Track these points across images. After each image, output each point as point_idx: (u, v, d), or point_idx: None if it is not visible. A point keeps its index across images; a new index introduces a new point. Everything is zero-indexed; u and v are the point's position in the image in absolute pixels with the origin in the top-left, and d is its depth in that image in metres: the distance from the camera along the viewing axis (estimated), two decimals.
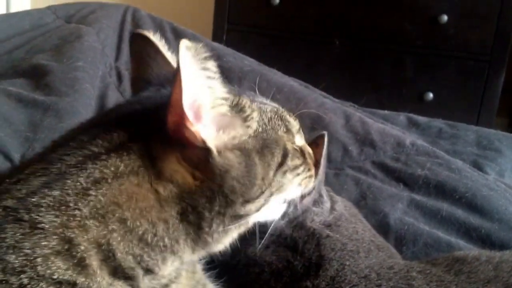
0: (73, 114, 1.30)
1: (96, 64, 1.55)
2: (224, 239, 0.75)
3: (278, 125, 0.77)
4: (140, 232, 0.67)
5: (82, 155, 0.68)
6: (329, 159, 1.39)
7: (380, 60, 2.62)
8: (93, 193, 0.65)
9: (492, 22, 2.46)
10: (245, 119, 0.72)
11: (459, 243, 1.10)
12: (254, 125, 0.73)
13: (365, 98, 1.88)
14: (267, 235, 0.88)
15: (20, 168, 0.71)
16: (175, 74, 0.63)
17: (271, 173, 0.74)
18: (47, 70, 1.45)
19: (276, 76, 1.70)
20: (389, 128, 1.53)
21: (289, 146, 0.78)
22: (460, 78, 2.54)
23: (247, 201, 0.72)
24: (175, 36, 1.78)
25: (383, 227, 1.13)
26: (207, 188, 0.69)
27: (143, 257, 0.67)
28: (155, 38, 0.85)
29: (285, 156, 0.76)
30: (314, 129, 1.46)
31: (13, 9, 2.76)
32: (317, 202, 0.96)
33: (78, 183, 0.65)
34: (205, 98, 0.66)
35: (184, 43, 0.61)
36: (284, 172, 0.76)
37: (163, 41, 0.85)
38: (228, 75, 1.62)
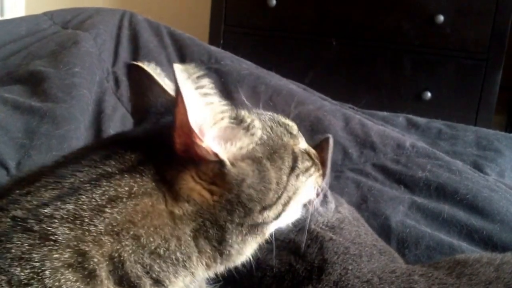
0: (70, 120, 1.29)
1: (93, 69, 1.54)
2: (245, 250, 0.75)
3: (281, 132, 0.78)
4: (153, 247, 0.67)
5: (95, 173, 0.68)
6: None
7: (377, 60, 2.64)
8: (109, 211, 0.66)
9: (488, 20, 2.48)
10: (247, 128, 0.73)
11: (461, 245, 1.10)
12: (258, 132, 0.74)
13: (365, 99, 1.88)
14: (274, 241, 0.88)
15: (28, 180, 0.70)
16: (176, 97, 0.64)
17: (284, 177, 0.75)
18: (44, 76, 1.44)
19: (274, 79, 1.69)
20: (389, 130, 1.52)
21: (297, 149, 0.79)
22: (458, 76, 2.56)
23: (264, 208, 0.73)
24: (172, 41, 1.78)
25: (384, 230, 1.13)
26: (225, 201, 0.70)
27: (153, 267, 0.68)
28: (150, 68, 0.86)
29: (295, 159, 0.78)
30: (314, 131, 1.46)
31: (7, 15, 2.76)
32: (322, 202, 0.96)
33: (93, 200, 0.66)
34: (206, 115, 0.67)
35: (177, 67, 0.63)
36: (297, 176, 0.78)
37: (159, 69, 0.87)
38: (226, 78, 1.63)
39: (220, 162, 0.69)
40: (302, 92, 1.66)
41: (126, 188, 0.68)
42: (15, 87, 1.40)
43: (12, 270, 0.60)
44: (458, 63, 2.55)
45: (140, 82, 0.86)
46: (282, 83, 1.68)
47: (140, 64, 0.88)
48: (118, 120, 1.41)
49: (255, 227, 0.74)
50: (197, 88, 0.65)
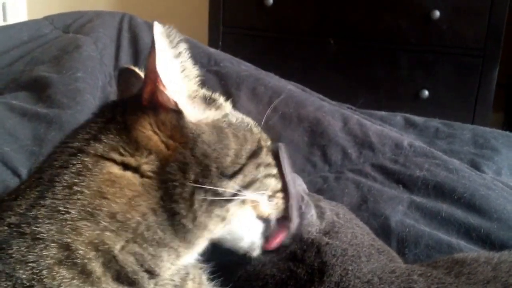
0: (76, 126, 1.30)
1: (95, 74, 1.56)
2: (207, 222, 0.74)
3: (252, 124, 0.81)
4: (134, 225, 0.68)
5: (66, 154, 0.71)
6: (329, 163, 1.40)
7: (375, 59, 2.64)
8: (78, 189, 0.67)
9: (484, 16, 2.48)
10: (218, 107, 0.76)
11: (459, 243, 1.11)
12: (227, 109, 0.77)
13: (363, 98, 1.89)
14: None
15: (20, 185, 0.73)
16: (150, 49, 0.68)
17: (244, 155, 0.76)
18: (48, 82, 1.45)
19: (273, 80, 1.70)
20: (387, 129, 1.53)
21: (264, 143, 0.81)
22: (455, 74, 2.56)
23: (222, 174, 0.73)
24: None
25: (384, 230, 1.14)
26: (180, 155, 0.71)
27: (144, 256, 0.68)
28: (140, 71, 0.90)
29: (259, 148, 0.79)
30: (313, 132, 1.47)
31: (9, 20, 2.77)
32: (301, 215, 0.95)
33: (64, 181, 0.68)
34: (178, 77, 0.71)
35: (156, 25, 0.67)
36: (258, 165, 0.78)
37: None
38: (225, 80, 1.63)
39: (179, 113, 0.71)
40: (301, 93, 1.66)
41: (92, 152, 0.69)
42: (20, 94, 1.41)
43: (16, 274, 0.62)
44: (455, 60, 2.55)
45: (129, 82, 0.89)
46: (281, 84, 1.69)
47: (131, 67, 0.92)
48: None
49: (217, 195, 0.73)
50: (173, 47, 0.69)
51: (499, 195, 1.25)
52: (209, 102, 0.75)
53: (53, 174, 0.69)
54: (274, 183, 0.84)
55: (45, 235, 0.64)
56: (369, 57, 2.65)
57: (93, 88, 1.49)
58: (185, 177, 0.71)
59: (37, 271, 0.62)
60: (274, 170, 0.84)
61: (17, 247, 0.63)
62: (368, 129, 1.50)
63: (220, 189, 0.73)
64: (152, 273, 0.69)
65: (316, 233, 0.93)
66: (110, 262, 0.66)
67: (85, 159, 0.69)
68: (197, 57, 1.70)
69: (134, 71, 0.91)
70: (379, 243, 1.00)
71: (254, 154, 0.78)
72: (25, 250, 0.63)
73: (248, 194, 0.77)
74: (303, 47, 2.68)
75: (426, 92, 2.55)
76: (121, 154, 0.70)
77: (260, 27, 2.73)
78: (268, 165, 0.82)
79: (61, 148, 0.73)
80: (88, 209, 0.66)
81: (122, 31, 1.82)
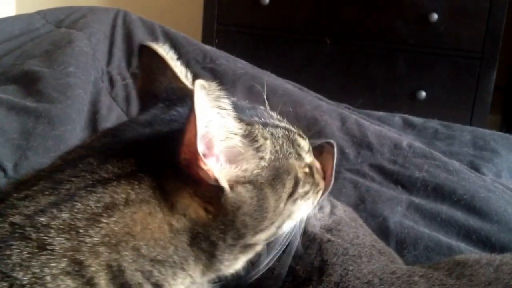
0: (66, 121, 1.29)
1: (87, 69, 1.53)
2: (235, 266, 0.76)
3: (290, 152, 0.77)
4: (153, 255, 0.67)
5: (91, 179, 0.67)
6: None
7: (371, 59, 2.63)
8: (105, 221, 0.65)
9: (482, 18, 2.49)
10: (257, 150, 0.71)
11: (459, 246, 1.10)
12: (267, 156, 0.72)
13: (361, 98, 1.88)
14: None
15: (26, 183, 0.69)
16: (190, 114, 0.62)
17: (282, 204, 0.75)
18: (38, 76, 1.43)
19: (270, 78, 1.69)
20: (386, 130, 1.52)
21: (300, 173, 0.78)
22: (452, 75, 2.56)
23: (257, 233, 0.73)
24: (166, 39, 1.77)
25: (383, 231, 1.12)
26: (219, 222, 0.70)
27: (153, 272, 0.67)
28: (163, 51, 0.83)
29: (296, 184, 0.77)
30: (310, 131, 1.45)
31: None
32: (319, 207, 0.96)
33: (89, 208, 0.65)
34: (217, 134, 0.66)
35: (199, 83, 0.61)
36: (295, 200, 0.77)
37: (172, 52, 0.84)
38: (221, 78, 1.62)
39: (219, 187, 0.68)
40: (298, 92, 1.66)
41: (123, 195, 0.66)
42: (9, 87, 1.39)
43: (14, 275, 0.60)
44: (453, 62, 2.56)
45: (152, 65, 0.83)
46: (278, 82, 1.68)
47: (153, 46, 0.84)
48: (114, 121, 1.39)
49: (247, 247, 0.74)
50: (215, 107, 0.64)
51: (499, 197, 1.24)
52: (248, 142, 0.70)
53: (73, 193, 0.66)
54: (311, 200, 0.83)
55: (56, 247, 0.62)
56: (365, 57, 2.64)
57: (84, 83, 1.47)
58: (221, 238, 0.71)
59: (41, 276, 0.60)
60: (311, 192, 0.82)
61: (18, 250, 0.61)
62: (366, 129, 1.49)
63: (252, 243, 0.74)
64: (158, 287, 0.68)
65: (319, 229, 0.93)
66: (117, 277, 0.65)
67: (116, 197, 0.66)
68: (192, 54, 1.71)
69: (156, 52, 0.83)
70: (381, 244, 0.99)
71: (291, 194, 0.77)
72: (27, 254, 0.61)
73: (284, 227, 0.79)
74: (298, 46, 2.67)
75: (423, 93, 2.55)
76: (151, 208, 0.68)
77: (256, 26, 2.72)
78: (305, 193, 0.80)
79: (83, 165, 0.69)
80: (113, 241, 0.65)
81: (116, 27, 1.80)
